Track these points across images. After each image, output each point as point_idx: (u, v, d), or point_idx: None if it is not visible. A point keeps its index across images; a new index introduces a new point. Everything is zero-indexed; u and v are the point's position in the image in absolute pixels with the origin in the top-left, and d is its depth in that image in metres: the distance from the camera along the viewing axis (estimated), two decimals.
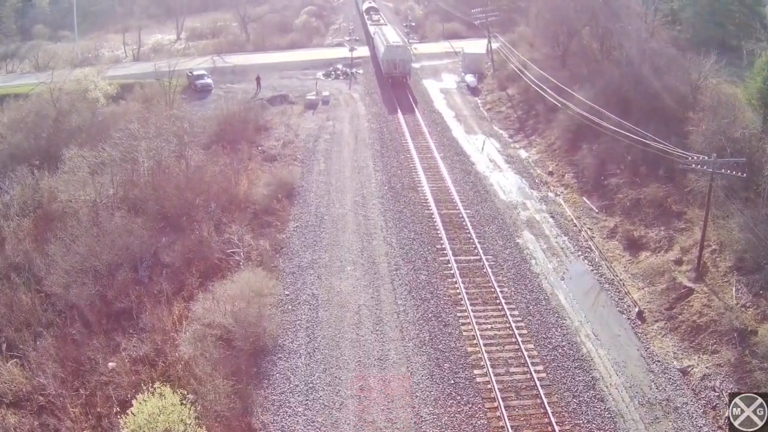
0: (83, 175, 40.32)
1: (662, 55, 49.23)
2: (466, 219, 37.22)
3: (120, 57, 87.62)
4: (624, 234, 36.22)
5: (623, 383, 26.26)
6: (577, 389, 25.66)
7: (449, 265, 32.93)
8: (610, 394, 25.69)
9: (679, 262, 32.93)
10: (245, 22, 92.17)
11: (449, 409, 24.51)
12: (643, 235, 35.67)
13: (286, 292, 31.21)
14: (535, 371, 25.90)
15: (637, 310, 30.73)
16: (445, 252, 34.14)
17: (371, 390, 25.32)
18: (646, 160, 38.81)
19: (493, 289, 30.87)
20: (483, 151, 48.82)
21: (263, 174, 43.29)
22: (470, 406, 24.63)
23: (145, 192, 39.32)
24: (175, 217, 37.97)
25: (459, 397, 24.92)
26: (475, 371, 26.04)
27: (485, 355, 26.50)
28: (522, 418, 23.98)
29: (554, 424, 23.48)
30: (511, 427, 23.37)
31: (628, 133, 38.14)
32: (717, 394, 25.43)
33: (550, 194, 41.94)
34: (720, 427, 23.94)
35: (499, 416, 24.00)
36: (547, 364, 26.66)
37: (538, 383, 25.27)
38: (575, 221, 38.45)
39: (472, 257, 33.81)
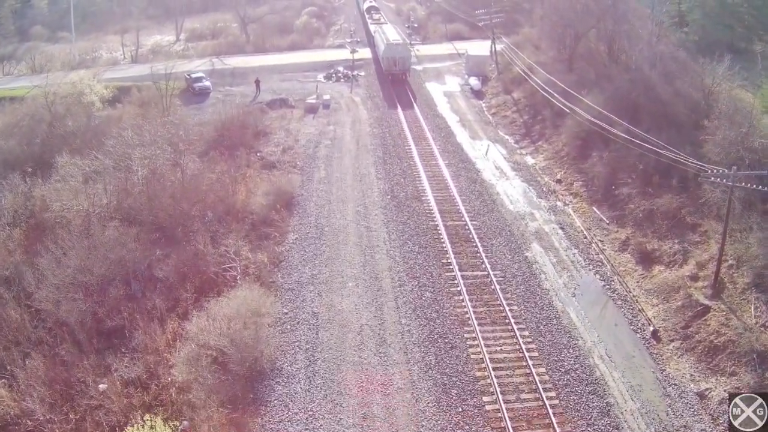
0: (75, 183, 38.98)
1: (673, 59, 47.88)
2: (473, 231, 35.84)
3: (118, 59, 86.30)
4: (636, 246, 34.86)
5: (639, 409, 25.01)
6: (592, 416, 24.36)
7: (455, 282, 31.55)
8: (625, 421, 24.44)
9: (694, 277, 31.55)
10: (245, 23, 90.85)
11: None
12: (656, 248, 34.30)
13: (285, 311, 29.83)
14: (547, 398, 24.55)
15: (651, 328, 29.44)
16: (451, 267, 32.75)
17: (374, 419, 23.98)
18: (659, 169, 37.43)
19: (501, 308, 29.50)
20: (487, 156, 47.47)
21: (262, 182, 41.94)
22: None
23: (139, 201, 37.97)
24: (170, 227, 36.63)
25: (467, 427, 23.59)
26: (485, 398, 24.69)
27: (495, 380, 25.14)
28: None
29: None
30: None
31: (640, 142, 36.80)
32: None
33: (559, 204, 40.55)
34: None
35: None
36: (559, 390, 25.31)
37: (550, 411, 23.96)
38: (585, 233, 37.07)
39: (479, 272, 32.42)
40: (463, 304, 29.88)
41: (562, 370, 26.37)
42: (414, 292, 30.99)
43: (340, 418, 24.04)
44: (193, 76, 64.53)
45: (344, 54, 71.84)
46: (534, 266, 33.51)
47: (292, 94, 61.97)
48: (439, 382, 25.56)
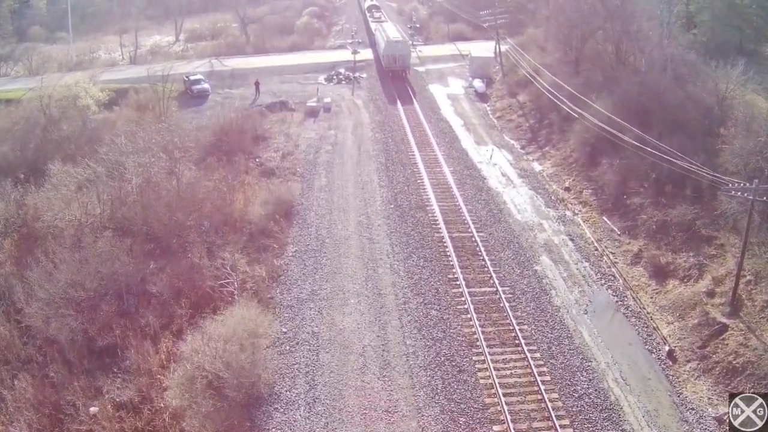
0: (68, 192, 37.71)
1: (684, 62, 46.49)
2: (480, 243, 34.46)
3: (117, 59, 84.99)
4: (650, 260, 33.48)
5: None
6: None
7: (463, 299, 30.14)
8: None
9: (711, 293, 30.21)
10: (245, 24, 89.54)
11: None
12: (670, 261, 32.93)
13: (284, 330, 28.46)
14: (561, 426, 23.20)
15: (667, 348, 28.12)
16: (457, 282, 31.35)
17: None
18: (672, 178, 36.06)
19: (511, 327, 28.12)
20: (491, 160, 46.16)
21: (260, 190, 40.59)
22: None
23: (133, 211, 36.68)
24: (164, 238, 35.35)
25: None
26: (495, 428, 23.30)
27: (505, 407, 23.74)
28: None
29: None
30: None
31: (652, 150, 35.45)
32: None
33: (568, 213, 39.18)
34: None
35: None
36: (573, 417, 23.96)
37: None
38: (596, 244, 35.73)
39: (487, 288, 31.05)
40: (471, 323, 28.47)
41: (576, 395, 25.03)
42: (419, 309, 29.61)
43: None
44: (192, 78, 63.23)
45: (346, 55, 70.52)
46: (544, 281, 32.16)
47: (293, 96, 60.65)
48: (446, 409, 24.17)
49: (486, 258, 33.14)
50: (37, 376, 27.89)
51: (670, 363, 27.52)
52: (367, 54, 72.97)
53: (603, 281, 32.55)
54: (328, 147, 48.83)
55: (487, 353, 26.40)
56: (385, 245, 34.87)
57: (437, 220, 37.08)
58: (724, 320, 28.45)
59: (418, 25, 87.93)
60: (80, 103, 53.64)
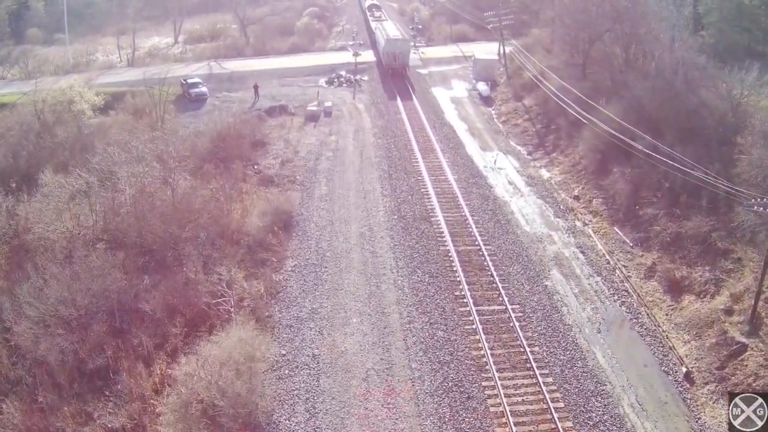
0: (59, 203, 36.42)
1: (695, 66, 45.02)
2: (487, 257, 33.05)
3: (114, 62, 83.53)
4: (664, 274, 32.12)
5: None
6: None
7: (470, 318, 28.73)
8: None
9: (729, 311, 28.86)
10: (245, 25, 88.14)
11: None
12: (685, 275, 31.55)
13: (282, 352, 27.05)
14: None
15: (684, 370, 26.81)
16: (465, 300, 29.94)
17: None
18: (687, 188, 34.66)
19: (522, 349, 26.72)
20: (496, 165, 44.81)
21: (259, 200, 39.21)
22: None
23: (126, 222, 35.37)
24: (159, 251, 34.07)
25: None
26: None
27: None
28: None
29: None
30: None
31: (664, 158, 34.07)
32: None
33: (578, 223, 37.80)
34: None
35: None
36: None
37: None
38: (608, 257, 34.35)
39: (496, 306, 29.64)
40: (480, 345, 27.06)
41: (591, 423, 23.69)
42: (425, 330, 28.19)
43: None
44: (189, 81, 61.79)
45: (346, 57, 69.20)
46: (555, 297, 30.78)
47: (292, 100, 59.26)
48: None
49: (494, 273, 31.77)
50: (25, 400, 26.70)
51: (688, 385, 26.26)
52: (368, 56, 71.64)
53: (616, 297, 31.21)
54: (328, 153, 47.47)
55: (497, 378, 25.03)
56: (389, 259, 33.48)
57: (443, 232, 35.70)
58: (743, 339, 27.18)
59: (420, 26, 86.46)
60: (75, 107, 52.21)
